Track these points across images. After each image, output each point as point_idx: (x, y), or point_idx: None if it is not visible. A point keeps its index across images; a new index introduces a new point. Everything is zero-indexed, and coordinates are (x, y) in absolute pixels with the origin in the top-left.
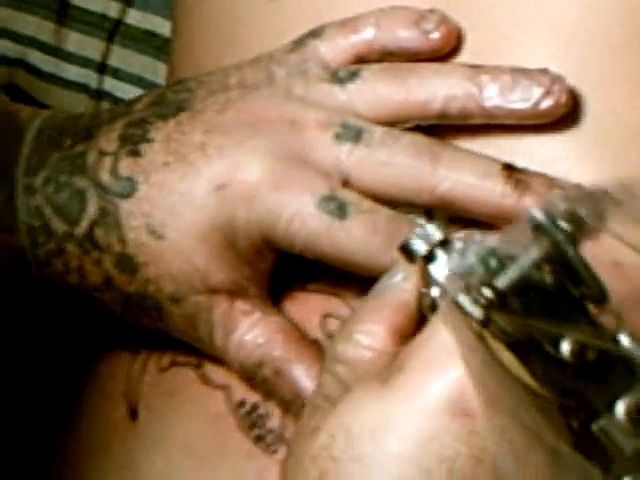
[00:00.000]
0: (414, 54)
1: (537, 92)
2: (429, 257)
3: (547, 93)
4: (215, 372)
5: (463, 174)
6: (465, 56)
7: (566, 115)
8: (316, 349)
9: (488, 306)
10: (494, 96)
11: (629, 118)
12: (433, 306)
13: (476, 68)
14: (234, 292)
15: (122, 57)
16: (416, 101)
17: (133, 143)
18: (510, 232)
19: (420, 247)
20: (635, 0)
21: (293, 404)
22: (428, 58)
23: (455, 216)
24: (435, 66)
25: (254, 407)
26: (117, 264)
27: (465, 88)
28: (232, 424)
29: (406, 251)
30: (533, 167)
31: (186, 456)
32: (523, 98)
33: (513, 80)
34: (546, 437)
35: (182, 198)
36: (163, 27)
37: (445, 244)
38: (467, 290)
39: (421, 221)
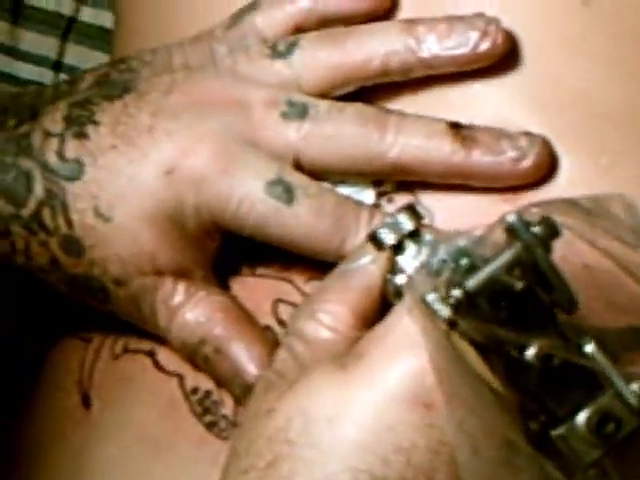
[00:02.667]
0: (351, 18)
1: (474, 35)
2: (398, 247)
3: (484, 35)
4: (168, 359)
5: (411, 137)
6: (401, 16)
7: (508, 70)
8: (259, 329)
9: (456, 307)
10: (432, 46)
11: (567, 80)
12: (398, 293)
13: (411, 21)
14: (179, 274)
15: (77, 54)
16: (356, 62)
17: (79, 125)
18: (483, 234)
19: (389, 237)
20: None
21: (232, 383)
22: (365, 22)
23: (407, 181)
24: (371, 26)
25: (207, 394)
26: (63, 246)
27: (403, 42)
28: (185, 411)
29: (375, 240)
30: (478, 120)
31: (140, 443)
32: (461, 43)
33: (449, 27)
34: (505, 434)
35: (130, 181)
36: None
37: (414, 235)
38: (436, 289)
39: (370, 192)
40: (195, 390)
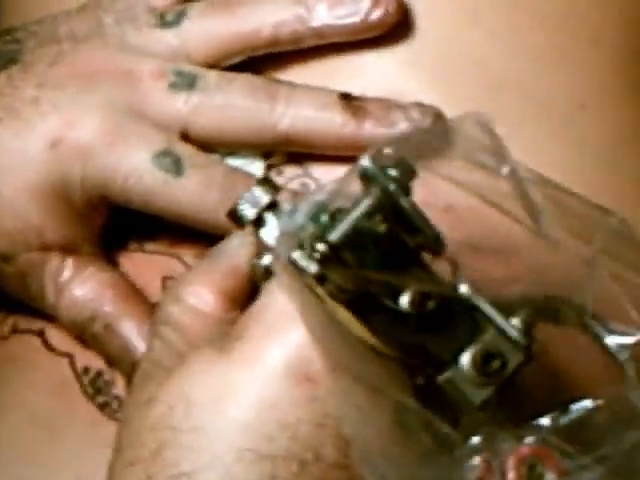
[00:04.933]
0: None
1: (365, 3)
2: (259, 222)
3: (375, 4)
4: (59, 338)
5: (301, 108)
6: None
7: (400, 40)
8: (149, 306)
9: (322, 260)
10: (322, 14)
11: (461, 51)
12: (266, 275)
13: None
14: (67, 249)
15: None
16: (245, 31)
17: None
18: (339, 184)
19: (249, 212)
20: None
21: (121, 360)
22: None
23: (297, 154)
24: None
25: (99, 374)
26: None
27: (293, 11)
28: (77, 391)
29: (235, 216)
30: (371, 91)
31: (32, 425)
32: (352, 12)
33: None
34: (391, 395)
35: (16, 154)
36: None
37: (274, 207)
38: (300, 247)
39: (259, 164)
40: (86, 370)
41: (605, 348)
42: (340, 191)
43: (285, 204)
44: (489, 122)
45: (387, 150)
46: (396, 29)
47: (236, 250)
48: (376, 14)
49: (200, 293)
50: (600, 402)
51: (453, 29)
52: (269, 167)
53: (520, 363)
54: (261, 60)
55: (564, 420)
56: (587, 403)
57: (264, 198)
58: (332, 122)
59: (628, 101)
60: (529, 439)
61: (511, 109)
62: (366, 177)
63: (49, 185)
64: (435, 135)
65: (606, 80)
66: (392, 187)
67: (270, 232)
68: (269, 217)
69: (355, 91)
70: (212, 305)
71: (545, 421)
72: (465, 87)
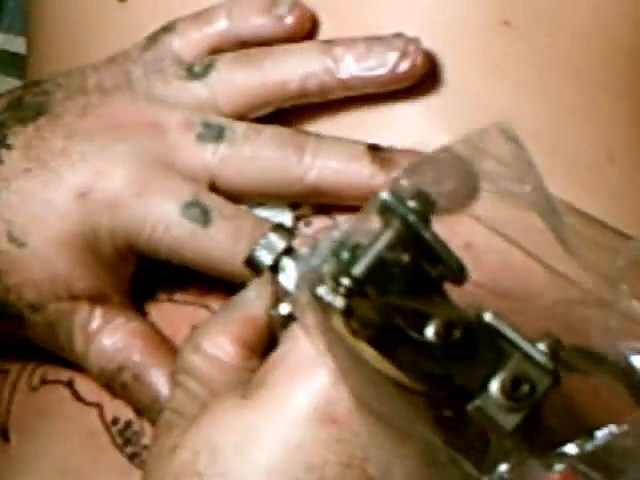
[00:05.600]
0: (269, 41)
1: (393, 56)
2: (276, 268)
3: (403, 56)
4: (88, 389)
5: (329, 160)
6: (321, 37)
7: (428, 91)
8: None
9: (348, 294)
10: (350, 66)
11: (489, 102)
12: (284, 324)
13: (330, 42)
14: (96, 298)
15: None
16: (274, 83)
17: None
18: (357, 220)
19: (265, 258)
20: None
21: (151, 410)
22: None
23: (326, 205)
24: (288, 46)
25: (128, 424)
26: None
27: (321, 63)
28: (106, 442)
29: (252, 264)
30: (399, 142)
31: (62, 476)
32: (379, 64)
33: (367, 47)
34: (418, 433)
35: (44, 205)
36: None
37: (290, 252)
38: (324, 282)
39: (288, 215)
40: (115, 420)
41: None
42: (358, 227)
43: (302, 249)
44: (514, 132)
45: (404, 181)
46: (424, 81)
47: (254, 300)
48: (404, 66)
49: (219, 342)
50: (625, 427)
51: (481, 81)
52: (297, 218)
53: (549, 387)
54: (289, 112)
55: (590, 447)
56: (612, 428)
57: (280, 243)
58: (360, 174)
59: None
60: (558, 467)
61: (540, 160)
62: (386, 209)
63: (78, 235)
64: (453, 160)
65: (634, 132)
66: (412, 218)
67: (288, 277)
68: (286, 262)
69: (383, 143)
70: (231, 354)
71: (571, 448)
72: None
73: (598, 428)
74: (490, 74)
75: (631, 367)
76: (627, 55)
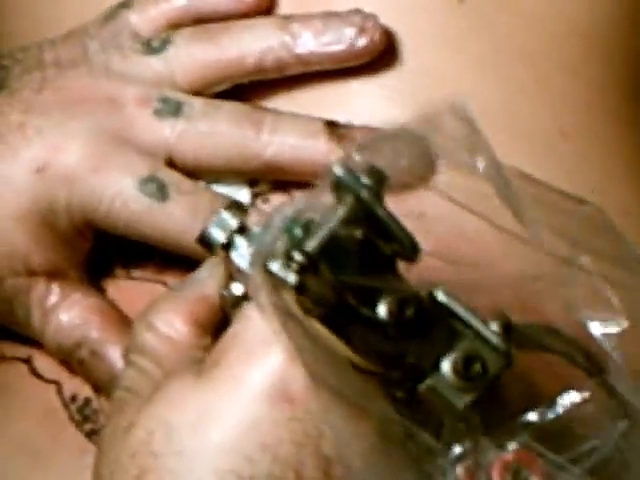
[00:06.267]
0: (228, 17)
1: (350, 32)
2: (229, 245)
3: (361, 31)
4: (46, 366)
5: (287, 136)
6: (279, 13)
7: (385, 68)
8: None
9: (300, 270)
10: (307, 42)
11: (444, 79)
12: (236, 303)
13: (287, 18)
14: (53, 274)
15: None
16: (231, 58)
17: None
18: (309, 196)
19: (218, 236)
20: None
21: (108, 387)
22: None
23: (284, 182)
24: (246, 22)
25: (87, 401)
26: None
27: (278, 38)
28: (64, 419)
29: (205, 242)
30: (356, 118)
31: (19, 453)
32: (337, 39)
33: (324, 24)
34: (373, 409)
35: (1, 180)
36: None
37: (243, 230)
38: (277, 258)
39: (245, 192)
40: (74, 398)
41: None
42: (311, 203)
43: (255, 226)
44: (468, 112)
45: (358, 157)
46: (381, 58)
47: (207, 279)
48: (361, 42)
49: (171, 321)
50: (586, 394)
51: (436, 57)
52: (255, 195)
53: (501, 367)
54: (247, 88)
55: (551, 415)
56: (573, 396)
57: (233, 221)
58: (318, 150)
59: (611, 133)
60: (511, 445)
61: (494, 138)
62: (339, 185)
63: (34, 210)
64: (407, 136)
65: (587, 110)
66: (365, 194)
67: (241, 255)
68: (239, 240)
69: (340, 119)
70: (184, 333)
71: (532, 416)
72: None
73: (559, 396)
74: (445, 51)
75: (588, 336)
76: (581, 36)
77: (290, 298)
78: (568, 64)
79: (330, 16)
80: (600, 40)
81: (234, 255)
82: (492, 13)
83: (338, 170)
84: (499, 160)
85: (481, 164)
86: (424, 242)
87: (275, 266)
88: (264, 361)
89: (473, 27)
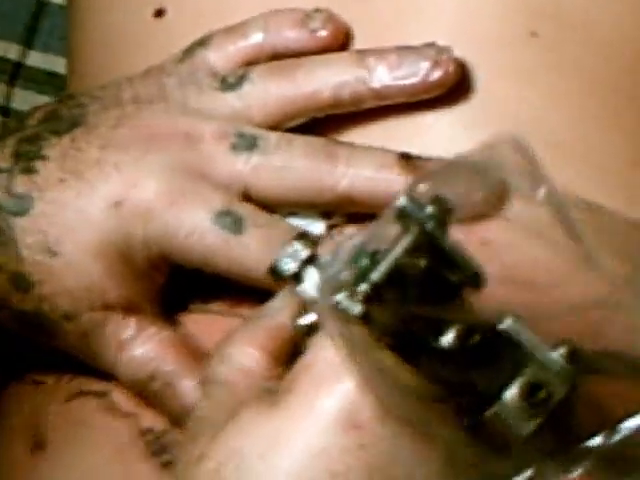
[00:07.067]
0: (304, 53)
1: (425, 65)
2: (299, 276)
3: (435, 64)
4: (122, 399)
5: (361, 168)
6: (354, 47)
7: (459, 100)
8: None
9: (366, 300)
10: (383, 76)
11: (517, 111)
12: (309, 333)
13: (362, 52)
14: (129, 308)
15: (24, 99)
16: (307, 93)
17: (27, 160)
18: (375, 227)
19: (289, 266)
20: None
21: (183, 419)
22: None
23: (358, 214)
24: (321, 57)
25: (162, 433)
26: (12, 282)
27: (353, 72)
28: (138, 452)
29: (276, 272)
30: (431, 151)
31: None
32: (411, 73)
33: (399, 57)
34: (441, 435)
35: (78, 215)
36: (65, 67)
37: (314, 260)
38: (343, 289)
39: (320, 224)
40: (150, 430)
41: None
42: (377, 233)
43: (325, 257)
44: (526, 145)
45: (422, 187)
46: (455, 91)
47: (280, 309)
48: (436, 75)
49: (246, 352)
50: None
51: (510, 91)
52: (330, 227)
53: (566, 393)
54: (322, 121)
55: (615, 439)
56: (637, 420)
57: (303, 252)
58: (391, 182)
59: None
60: (576, 471)
61: (567, 168)
62: (403, 215)
63: (111, 245)
64: (471, 166)
65: None
66: (430, 225)
67: (312, 285)
68: (310, 271)
69: (414, 151)
70: (258, 363)
71: (597, 441)
72: None
73: (623, 420)
74: (518, 83)
75: None
76: None
77: (357, 327)
78: (637, 92)
79: (405, 50)
80: None
81: (305, 285)
82: (564, 46)
83: (402, 200)
84: (559, 189)
85: (542, 193)
86: (490, 268)
87: (341, 297)
88: (334, 389)
89: (545, 60)
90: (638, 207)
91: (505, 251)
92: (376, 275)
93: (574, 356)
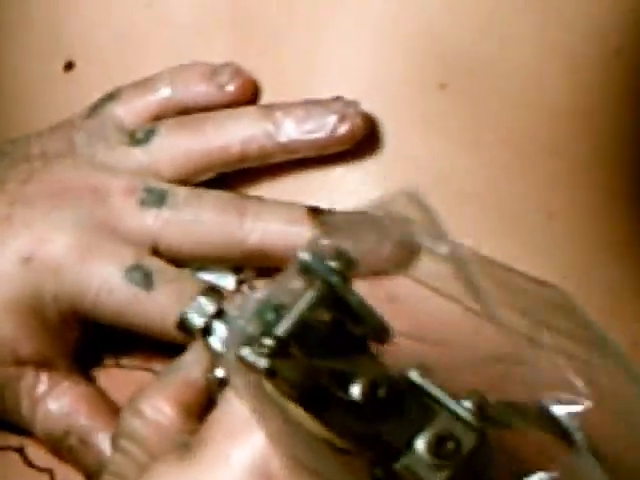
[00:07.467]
0: (212, 108)
1: (331, 119)
2: (207, 330)
3: (342, 118)
4: (38, 454)
5: (270, 223)
6: (261, 102)
7: (368, 153)
8: None
9: (271, 355)
10: (290, 130)
11: (427, 163)
12: (221, 386)
13: (269, 106)
14: (41, 363)
15: None
16: (215, 148)
17: None
18: (280, 281)
19: (196, 321)
20: (427, 49)
21: (99, 474)
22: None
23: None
24: (229, 111)
25: None
26: None
27: (260, 127)
28: None
29: (184, 327)
30: (340, 204)
31: None
32: (318, 127)
33: (306, 111)
34: None
35: None
36: None
37: (221, 314)
38: (248, 343)
39: (231, 279)
40: None
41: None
42: (282, 287)
43: (232, 311)
44: (422, 198)
45: (324, 241)
46: (364, 144)
47: (192, 363)
48: (343, 129)
49: (158, 406)
50: (554, 474)
51: (420, 143)
52: (241, 282)
53: (475, 443)
54: (230, 176)
55: None
56: (541, 476)
57: (210, 306)
58: (301, 236)
59: (600, 213)
60: None
61: (479, 220)
62: (307, 270)
63: (22, 300)
64: (373, 220)
65: (573, 190)
66: (334, 279)
67: (219, 339)
68: (218, 325)
69: (324, 205)
70: (170, 417)
71: None
72: (433, 199)
73: (528, 475)
74: (428, 135)
75: (554, 417)
76: (565, 117)
77: (265, 381)
78: (553, 145)
79: (312, 104)
80: (584, 120)
81: (212, 339)
82: (473, 97)
83: (305, 255)
84: (458, 243)
85: (443, 247)
86: (397, 324)
87: (246, 351)
88: (245, 440)
89: (455, 111)
90: (554, 259)
91: (412, 306)
92: (281, 330)
93: (481, 407)
